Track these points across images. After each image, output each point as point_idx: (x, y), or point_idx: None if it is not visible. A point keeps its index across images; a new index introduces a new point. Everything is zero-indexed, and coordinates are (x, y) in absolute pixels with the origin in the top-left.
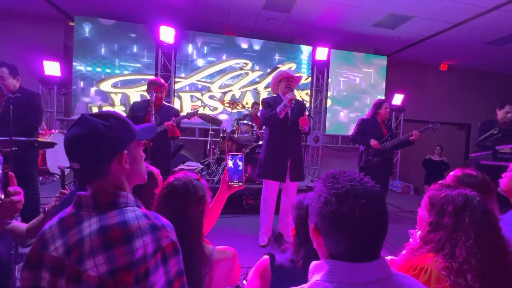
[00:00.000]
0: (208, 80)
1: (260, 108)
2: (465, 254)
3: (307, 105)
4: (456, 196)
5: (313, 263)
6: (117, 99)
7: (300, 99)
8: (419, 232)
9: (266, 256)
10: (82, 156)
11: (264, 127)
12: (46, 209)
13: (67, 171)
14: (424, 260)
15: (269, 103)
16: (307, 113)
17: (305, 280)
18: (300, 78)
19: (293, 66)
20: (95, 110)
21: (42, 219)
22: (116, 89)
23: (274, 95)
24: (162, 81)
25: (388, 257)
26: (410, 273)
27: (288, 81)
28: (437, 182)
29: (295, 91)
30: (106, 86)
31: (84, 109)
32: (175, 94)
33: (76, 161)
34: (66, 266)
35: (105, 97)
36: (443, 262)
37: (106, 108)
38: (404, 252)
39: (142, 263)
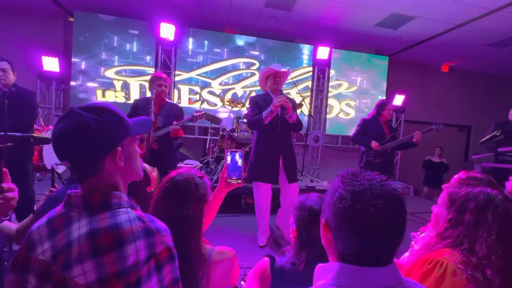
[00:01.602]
0: (209, 77)
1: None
2: (485, 250)
3: (307, 109)
4: (478, 194)
5: (320, 265)
6: (118, 85)
7: (292, 98)
8: (422, 234)
9: (266, 258)
10: (72, 154)
11: None
12: (35, 208)
13: (63, 168)
14: (440, 255)
15: (256, 102)
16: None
17: (306, 284)
18: (287, 73)
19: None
20: (99, 93)
21: (32, 219)
22: (118, 76)
23: (264, 93)
24: (165, 75)
25: None
26: (425, 267)
27: (275, 77)
28: (437, 183)
29: (297, 98)
30: (109, 73)
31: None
32: (175, 85)
33: (65, 159)
34: (52, 272)
35: (107, 82)
36: (461, 256)
37: (108, 93)
38: (406, 254)
39: (133, 271)
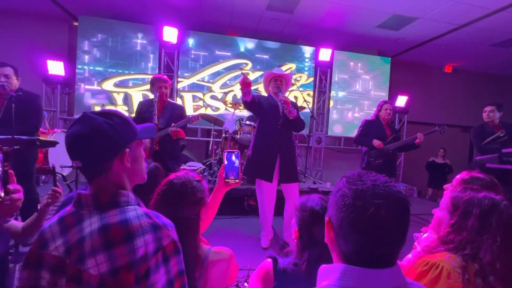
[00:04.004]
0: (210, 80)
1: None
2: (490, 257)
3: (310, 105)
4: (483, 199)
5: (323, 266)
6: (119, 98)
7: (295, 100)
8: (424, 234)
9: (269, 260)
10: (85, 154)
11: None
12: (39, 207)
13: (68, 170)
14: (438, 257)
15: (257, 97)
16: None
17: (308, 284)
18: (289, 75)
19: (293, 66)
20: (97, 109)
21: (36, 217)
22: (118, 89)
23: (266, 95)
24: (165, 77)
25: None
26: (420, 268)
27: (276, 81)
28: (444, 185)
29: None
30: (108, 85)
31: (87, 109)
32: (178, 94)
33: (78, 159)
34: (66, 266)
35: (107, 96)
36: (461, 261)
37: (109, 108)
38: (409, 256)
39: (142, 262)
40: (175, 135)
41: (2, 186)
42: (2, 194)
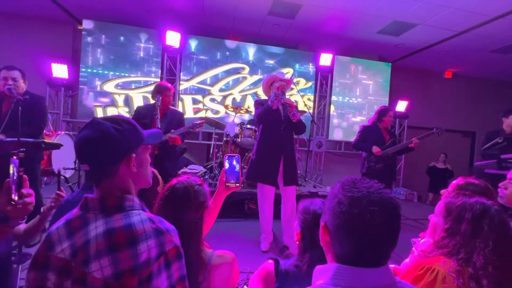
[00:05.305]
0: (210, 83)
1: (253, 109)
2: (482, 261)
3: (310, 110)
4: (474, 204)
5: (318, 266)
6: (120, 100)
7: (303, 104)
8: (422, 240)
9: (271, 261)
10: (93, 158)
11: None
12: (42, 210)
13: (70, 172)
14: (434, 262)
15: (262, 103)
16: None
17: (308, 285)
18: (291, 80)
19: (291, 71)
20: (99, 111)
21: (39, 220)
22: (119, 90)
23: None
24: (169, 84)
25: (391, 266)
26: (416, 272)
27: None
28: (441, 190)
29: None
30: (109, 87)
31: (90, 111)
32: (178, 97)
33: (86, 163)
34: (72, 268)
35: (110, 99)
36: (456, 265)
37: (111, 109)
38: (407, 260)
39: (145, 267)
40: (172, 142)
41: (16, 190)
42: (16, 198)
